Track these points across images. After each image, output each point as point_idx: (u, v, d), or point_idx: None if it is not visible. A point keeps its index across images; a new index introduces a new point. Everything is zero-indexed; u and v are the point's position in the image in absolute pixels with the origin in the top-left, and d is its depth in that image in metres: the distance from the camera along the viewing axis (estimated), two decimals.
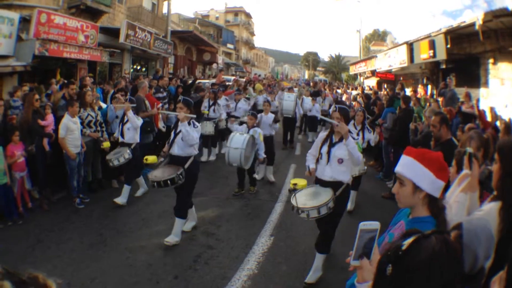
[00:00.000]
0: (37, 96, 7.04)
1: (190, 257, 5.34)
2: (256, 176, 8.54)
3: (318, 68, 76.23)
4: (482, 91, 13.15)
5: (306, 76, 68.97)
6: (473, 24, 11.44)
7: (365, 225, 1.59)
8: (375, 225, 1.59)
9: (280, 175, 9.37)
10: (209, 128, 10.45)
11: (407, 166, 2.07)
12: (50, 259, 5.03)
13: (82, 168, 7.38)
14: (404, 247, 1.26)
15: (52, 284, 0.94)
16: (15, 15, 9.54)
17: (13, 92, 7.12)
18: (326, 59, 72.83)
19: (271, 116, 9.25)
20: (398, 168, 2.11)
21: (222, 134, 11.33)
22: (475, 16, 11.43)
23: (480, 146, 3.75)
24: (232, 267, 5.09)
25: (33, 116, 6.83)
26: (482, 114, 7.36)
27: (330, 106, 15.98)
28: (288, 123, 12.89)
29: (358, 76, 32.71)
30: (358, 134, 7.20)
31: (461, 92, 11.26)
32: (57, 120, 7.23)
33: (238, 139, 7.39)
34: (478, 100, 9.97)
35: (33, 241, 5.58)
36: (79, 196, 7.12)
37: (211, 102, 11.11)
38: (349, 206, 6.90)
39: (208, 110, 10.98)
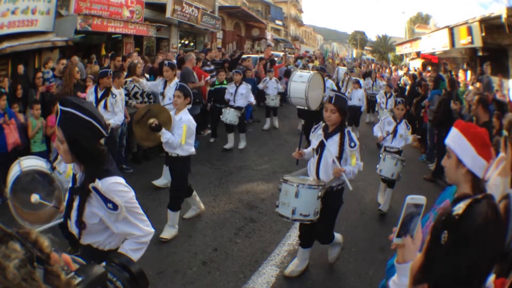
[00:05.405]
0: (77, 69, 6.93)
1: (231, 230, 5.07)
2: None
3: (365, 48, 74.42)
4: (511, 82, 12.74)
5: (354, 55, 66.86)
6: (499, 17, 11.45)
7: (412, 198, 1.50)
8: (421, 200, 1.50)
9: None
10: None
11: (453, 138, 2.05)
12: None
13: (124, 138, 7.26)
14: (460, 211, 1.22)
15: (44, 241, 0.85)
16: None
17: (45, 63, 6.97)
18: (373, 38, 71.48)
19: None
20: (447, 140, 2.10)
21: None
22: (501, 9, 11.52)
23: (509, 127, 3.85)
24: (273, 241, 4.83)
25: (74, 89, 6.73)
26: None
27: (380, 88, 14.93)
28: (304, 116, 8.50)
29: (404, 57, 32.82)
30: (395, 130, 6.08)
31: (494, 80, 11.75)
32: None
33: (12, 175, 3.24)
34: (508, 91, 10.58)
35: None
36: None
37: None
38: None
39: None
